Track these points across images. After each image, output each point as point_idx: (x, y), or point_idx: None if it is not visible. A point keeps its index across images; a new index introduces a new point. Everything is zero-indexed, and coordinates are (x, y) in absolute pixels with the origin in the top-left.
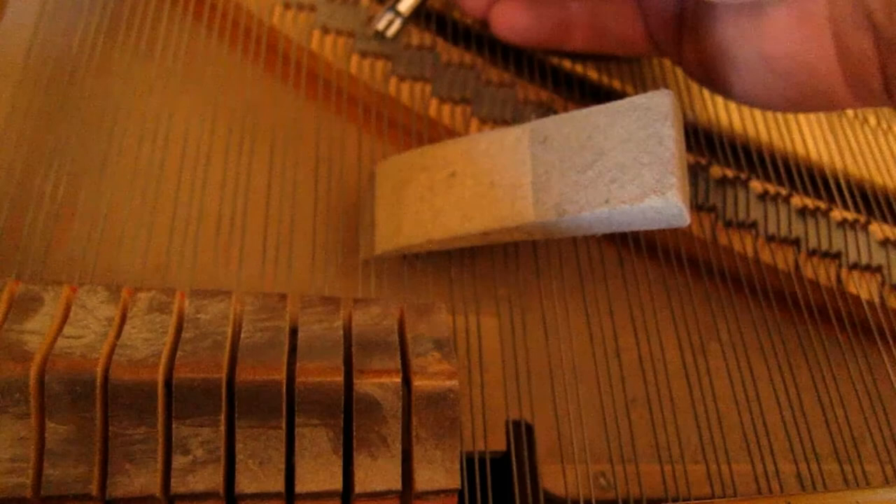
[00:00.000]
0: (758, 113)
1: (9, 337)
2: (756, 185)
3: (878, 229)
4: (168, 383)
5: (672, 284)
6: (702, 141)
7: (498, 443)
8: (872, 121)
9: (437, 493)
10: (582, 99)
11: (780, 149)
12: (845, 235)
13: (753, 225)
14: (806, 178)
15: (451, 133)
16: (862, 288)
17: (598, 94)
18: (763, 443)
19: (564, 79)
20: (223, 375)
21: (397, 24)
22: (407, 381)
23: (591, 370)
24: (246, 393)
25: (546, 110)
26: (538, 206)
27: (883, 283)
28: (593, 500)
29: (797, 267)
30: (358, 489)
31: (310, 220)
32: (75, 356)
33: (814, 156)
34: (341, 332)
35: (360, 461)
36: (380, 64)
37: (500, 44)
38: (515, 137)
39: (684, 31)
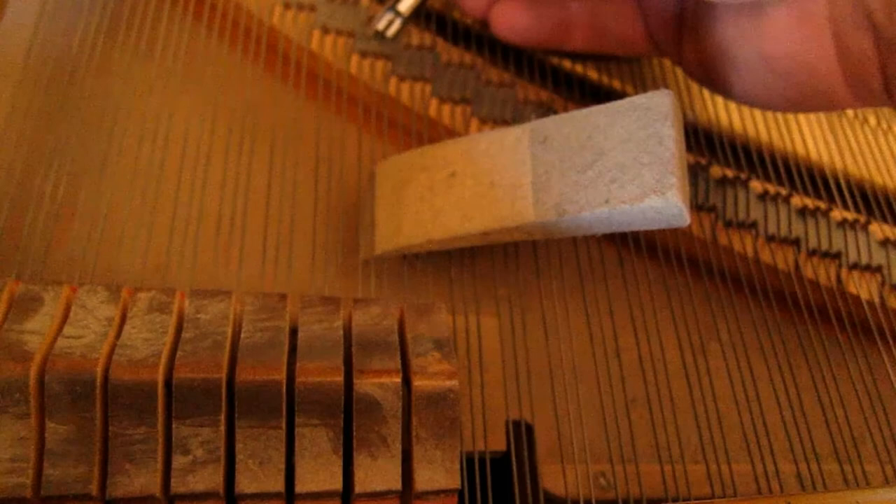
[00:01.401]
0: (758, 113)
1: (9, 337)
2: (756, 185)
3: (878, 229)
4: (168, 383)
5: (672, 284)
6: (702, 141)
7: (498, 443)
8: (872, 121)
9: (437, 493)
10: (582, 99)
11: (780, 149)
12: (845, 235)
13: (753, 225)
14: (806, 178)
15: (451, 133)
16: (862, 288)
17: (598, 94)
18: (763, 443)
19: (564, 79)
20: (223, 375)
21: (397, 24)
22: (407, 381)
23: (591, 370)
24: (246, 393)
25: (546, 110)
26: (538, 206)
27: (883, 283)
28: (593, 500)
29: (797, 267)
30: (358, 489)
31: (310, 220)
32: (75, 356)
33: (814, 156)
34: (341, 332)
35: (360, 461)
36: (380, 64)
37: (500, 44)
38: (515, 137)
39: (684, 31)
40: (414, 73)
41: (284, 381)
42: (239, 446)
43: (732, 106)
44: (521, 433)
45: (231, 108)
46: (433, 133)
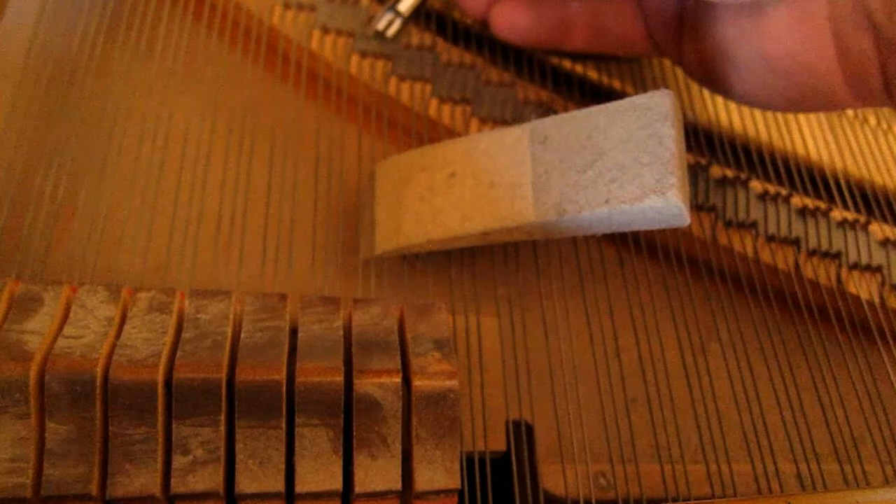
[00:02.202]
0: (758, 113)
1: (9, 337)
2: (756, 185)
3: (878, 229)
4: (168, 383)
5: (672, 284)
6: (702, 141)
7: (498, 443)
8: (872, 121)
9: (437, 493)
10: (582, 99)
11: (780, 149)
12: (845, 235)
13: (753, 225)
14: (806, 178)
15: (451, 133)
16: (862, 288)
17: (598, 94)
18: (763, 443)
19: (564, 79)
20: (223, 375)
21: (397, 24)
22: (407, 381)
23: (591, 370)
24: (246, 393)
25: (546, 110)
26: (538, 206)
27: (883, 283)
28: (593, 500)
29: (797, 267)
30: (358, 489)
31: (310, 220)
32: (75, 356)
33: (814, 156)
34: (341, 332)
35: (360, 461)
36: (380, 64)
37: (500, 44)
38: (515, 137)
39: (684, 31)
40: (414, 73)
41: (284, 381)
42: (239, 446)
43: (732, 106)
44: (521, 433)
45: (231, 108)
46: (433, 133)
